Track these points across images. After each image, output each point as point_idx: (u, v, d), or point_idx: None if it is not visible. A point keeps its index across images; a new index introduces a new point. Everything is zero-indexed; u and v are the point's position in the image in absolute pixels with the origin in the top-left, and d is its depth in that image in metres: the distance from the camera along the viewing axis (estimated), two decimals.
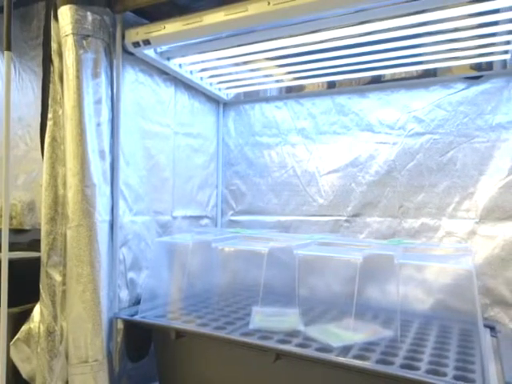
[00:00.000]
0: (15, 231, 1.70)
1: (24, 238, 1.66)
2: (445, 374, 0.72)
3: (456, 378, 0.71)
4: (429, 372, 0.73)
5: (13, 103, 1.71)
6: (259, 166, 1.42)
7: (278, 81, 1.32)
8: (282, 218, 1.37)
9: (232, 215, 1.47)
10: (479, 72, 1.09)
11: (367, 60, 1.09)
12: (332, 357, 0.77)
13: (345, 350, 0.81)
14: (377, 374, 0.73)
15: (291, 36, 1.00)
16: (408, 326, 0.97)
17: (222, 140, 1.49)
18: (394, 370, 0.73)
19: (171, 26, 0.99)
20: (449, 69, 1.12)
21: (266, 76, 1.29)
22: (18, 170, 1.70)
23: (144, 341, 1.09)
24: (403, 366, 0.75)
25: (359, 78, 1.24)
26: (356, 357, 0.79)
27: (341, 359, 0.76)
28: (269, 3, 0.85)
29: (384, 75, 1.21)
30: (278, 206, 1.38)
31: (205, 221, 1.44)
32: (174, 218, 1.29)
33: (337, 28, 0.94)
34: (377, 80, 1.22)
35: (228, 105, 1.50)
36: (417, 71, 1.16)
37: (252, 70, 1.26)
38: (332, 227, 1.28)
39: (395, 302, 0.82)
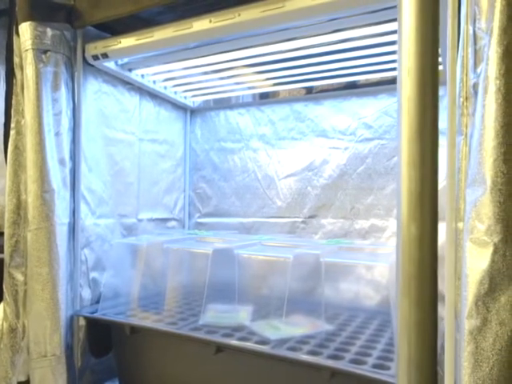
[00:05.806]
0: None
1: (2, 240, 1.72)
2: (365, 363, 0.79)
3: (374, 366, 0.78)
4: (352, 361, 0.80)
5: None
6: (223, 170, 1.49)
7: (250, 87, 1.37)
8: (244, 220, 1.43)
9: (198, 217, 1.54)
10: None
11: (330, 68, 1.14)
12: (263, 348, 0.84)
13: (281, 342, 0.88)
14: (304, 364, 0.80)
15: (248, 47, 1.06)
16: (349, 321, 1.04)
17: (189, 146, 1.56)
18: (318, 360, 0.80)
19: (126, 41, 1.05)
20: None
21: (235, 84, 1.34)
22: None
23: (107, 337, 1.15)
24: (330, 357, 0.82)
25: (315, 86, 1.31)
26: (290, 349, 0.85)
27: (272, 350, 0.83)
28: (210, 21, 0.92)
29: (341, 82, 1.27)
30: (241, 208, 1.44)
31: (172, 223, 1.50)
32: (140, 220, 1.35)
33: (301, 38, 0.98)
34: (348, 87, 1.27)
35: (195, 112, 1.56)
36: (390, 76, 1.18)
37: (221, 79, 1.31)
38: (290, 228, 1.34)
39: (322, 297, 0.88)
